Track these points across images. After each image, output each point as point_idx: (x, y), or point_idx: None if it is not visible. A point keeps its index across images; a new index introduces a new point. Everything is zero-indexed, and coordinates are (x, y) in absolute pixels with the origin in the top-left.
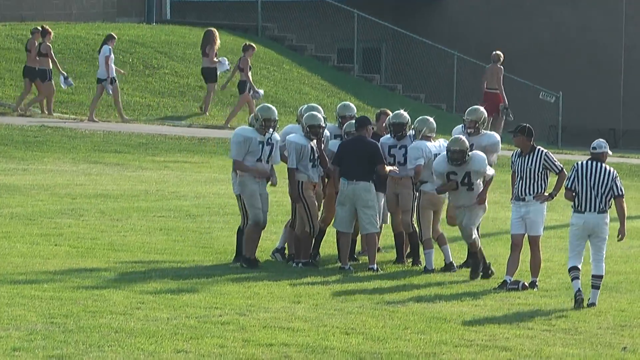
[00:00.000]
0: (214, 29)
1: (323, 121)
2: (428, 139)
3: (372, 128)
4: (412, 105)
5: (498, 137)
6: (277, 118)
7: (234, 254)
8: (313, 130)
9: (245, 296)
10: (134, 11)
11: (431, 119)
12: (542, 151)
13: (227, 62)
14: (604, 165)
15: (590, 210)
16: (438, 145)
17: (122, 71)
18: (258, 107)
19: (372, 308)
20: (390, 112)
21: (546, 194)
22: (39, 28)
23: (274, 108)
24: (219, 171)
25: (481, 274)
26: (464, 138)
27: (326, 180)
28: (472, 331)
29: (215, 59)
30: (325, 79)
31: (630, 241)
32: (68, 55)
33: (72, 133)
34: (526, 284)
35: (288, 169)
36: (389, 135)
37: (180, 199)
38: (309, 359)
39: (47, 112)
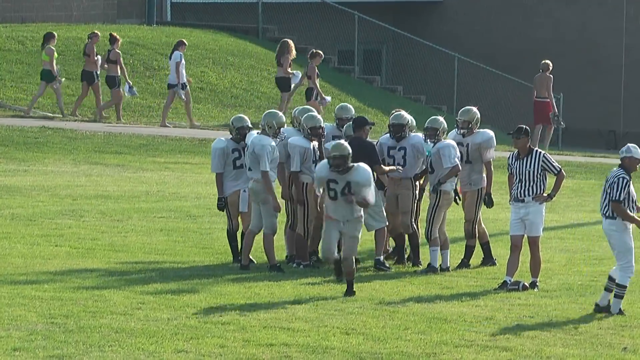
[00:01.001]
0: (290, 40)
1: (322, 122)
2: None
3: (370, 128)
4: (413, 107)
5: (491, 132)
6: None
7: (232, 258)
8: (314, 132)
9: (245, 296)
10: (135, 12)
11: (442, 119)
12: (540, 153)
13: (300, 76)
14: (615, 170)
15: (601, 215)
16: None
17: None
18: (265, 113)
19: (372, 308)
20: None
21: (545, 194)
22: (97, 32)
23: (281, 113)
24: None
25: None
26: (345, 144)
27: None
28: (472, 331)
29: (289, 70)
30: (326, 80)
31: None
32: (68, 56)
33: (72, 134)
34: (526, 284)
35: (292, 172)
36: (388, 136)
37: (180, 199)
38: (310, 359)
39: (116, 119)
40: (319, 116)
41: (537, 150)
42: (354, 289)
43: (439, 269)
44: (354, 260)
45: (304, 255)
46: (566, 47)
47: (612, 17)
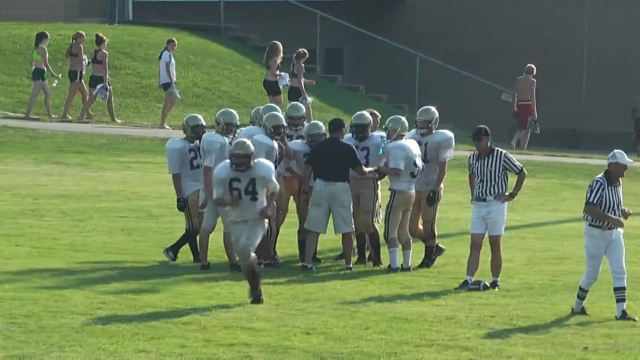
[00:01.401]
0: (278, 43)
1: (285, 120)
2: (401, 138)
3: (346, 131)
4: (375, 106)
5: (451, 133)
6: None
7: (193, 257)
8: (277, 130)
9: (206, 296)
10: (97, 11)
11: (404, 119)
12: (502, 152)
13: (287, 78)
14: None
15: None
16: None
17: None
18: (220, 111)
19: (333, 308)
20: (377, 112)
21: (507, 194)
22: (82, 33)
23: (235, 112)
24: None
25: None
26: (249, 142)
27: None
28: (433, 331)
29: (277, 72)
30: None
31: None
32: (30, 55)
33: (34, 133)
34: (487, 284)
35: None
36: (350, 136)
37: (141, 199)
38: (270, 358)
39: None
40: (281, 115)
41: (498, 150)
42: (261, 293)
43: (398, 269)
44: (255, 257)
45: (266, 254)
46: (527, 46)
47: (572, 16)
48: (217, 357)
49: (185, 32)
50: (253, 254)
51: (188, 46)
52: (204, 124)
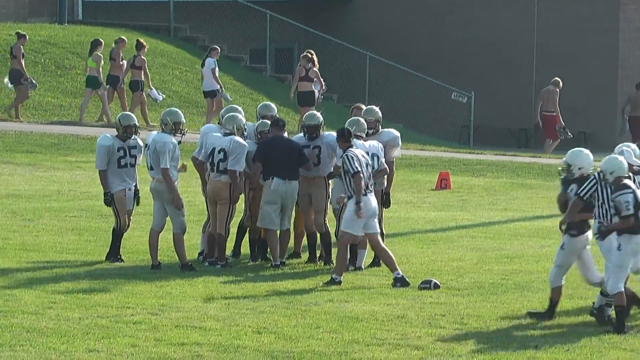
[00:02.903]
0: (311, 52)
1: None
2: (358, 138)
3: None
4: (325, 106)
5: (397, 132)
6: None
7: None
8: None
9: (157, 296)
10: (46, 11)
11: (362, 120)
12: (345, 154)
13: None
14: None
15: None
16: (368, 144)
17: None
18: (165, 111)
19: (284, 307)
20: (363, 106)
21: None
22: (124, 38)
23: (180, 111)
24: None
25: None
26: None
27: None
28: (384, 330)
29: (315, 81)
30: (238, 79)
31: (542, 240)
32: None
33: None
34: (438, 282)
35: (237, 171)
36: (301, 135)
37: (92, 199)
38: (221, 358)
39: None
40: (240, 115)
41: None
42: None
43: (349, 268)
44: None
45: (221, 256)
46: (477, 45)
47: (523, 16)
48: (168, 356)
49: (135, 32)
50: None
51: None
52: (137, 124)
